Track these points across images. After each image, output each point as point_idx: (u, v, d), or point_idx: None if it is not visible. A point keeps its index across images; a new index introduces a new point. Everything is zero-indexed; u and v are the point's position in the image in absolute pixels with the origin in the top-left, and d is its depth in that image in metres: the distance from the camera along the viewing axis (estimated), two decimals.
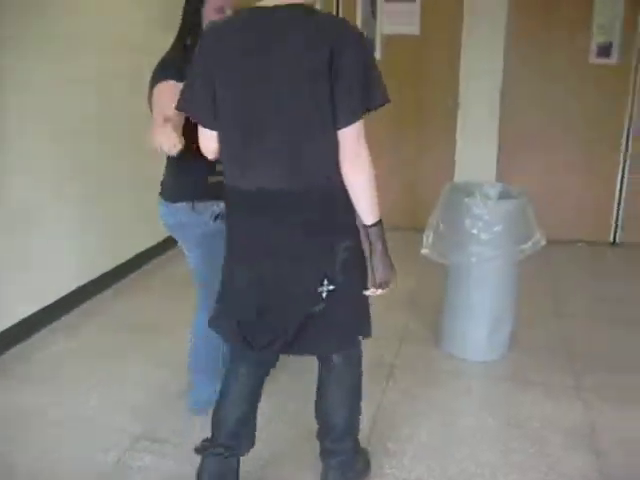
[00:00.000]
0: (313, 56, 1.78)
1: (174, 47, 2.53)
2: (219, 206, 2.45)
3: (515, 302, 3.44)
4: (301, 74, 1.80)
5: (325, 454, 2.34)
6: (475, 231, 3.14)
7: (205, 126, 1.99)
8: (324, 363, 2.22)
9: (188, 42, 2.48)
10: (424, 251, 3.29)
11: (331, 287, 1.97)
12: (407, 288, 4.11)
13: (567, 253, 5.08)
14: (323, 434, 2.32)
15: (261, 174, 1.91)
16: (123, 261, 4.48)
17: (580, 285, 4.53)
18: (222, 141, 1.98)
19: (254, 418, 2.30)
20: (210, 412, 2.29)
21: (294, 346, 2.04)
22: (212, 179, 2.43)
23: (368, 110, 1.86)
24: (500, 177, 5.23)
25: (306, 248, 1.96)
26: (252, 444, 2.31)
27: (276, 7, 1.84)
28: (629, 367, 3.33)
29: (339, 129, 1.83)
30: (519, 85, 5.30)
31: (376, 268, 2.04)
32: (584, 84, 5.15)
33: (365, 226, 1.99)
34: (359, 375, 2.27)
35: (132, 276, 4.53)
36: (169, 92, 2.21)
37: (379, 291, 2.08)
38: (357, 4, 5.42)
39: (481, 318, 3.35)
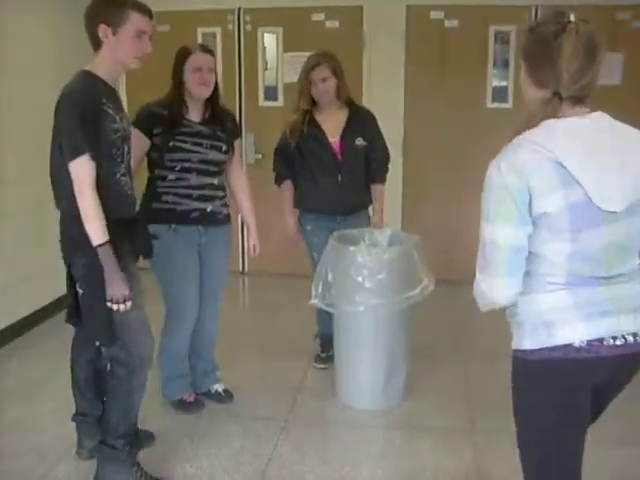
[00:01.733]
0: (54, 112, 2.38)
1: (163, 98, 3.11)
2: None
3: (409, 348, 3.44)
4: (53, 128, 2.41)
5: None
6: (360, 279, 3.14)
7: None
8: None
9: (170, 96, 3.07)
10: (313, 301, 3.28)
11: (81, 290, 2.48)
12: (309, 338, 4.07)
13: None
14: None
15: None
16: None
17: (483, 326, 4.56)
18: None
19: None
20: None
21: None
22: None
23: (80, 153, 2.29)
24: (406, 225, 5.30)
25: (62, 257, 2.52)
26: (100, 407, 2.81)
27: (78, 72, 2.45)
28: None
29: (67, 164, 2.33)
30: (420, 133, 5.45)
31: (107, 285, 2.37)
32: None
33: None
34: (122, 377, 2.57)
35: None
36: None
37: (115, 306, 2.39)
38: (258, 57, 5.56)
39: (374, 366, 3.33)
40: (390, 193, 5.44)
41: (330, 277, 3.25)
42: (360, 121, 3.69)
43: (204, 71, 3.03)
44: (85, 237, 2.34)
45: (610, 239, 1.61)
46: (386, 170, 3.87)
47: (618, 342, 1.61)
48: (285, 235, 3.92)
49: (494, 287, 1.65)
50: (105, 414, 2.67)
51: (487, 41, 5.26)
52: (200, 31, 5.48)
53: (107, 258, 2.35)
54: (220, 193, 3.21)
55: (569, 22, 1.59)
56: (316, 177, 3.65)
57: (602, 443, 2.99)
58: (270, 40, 5.54)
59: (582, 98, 1.63)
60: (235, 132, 3.33)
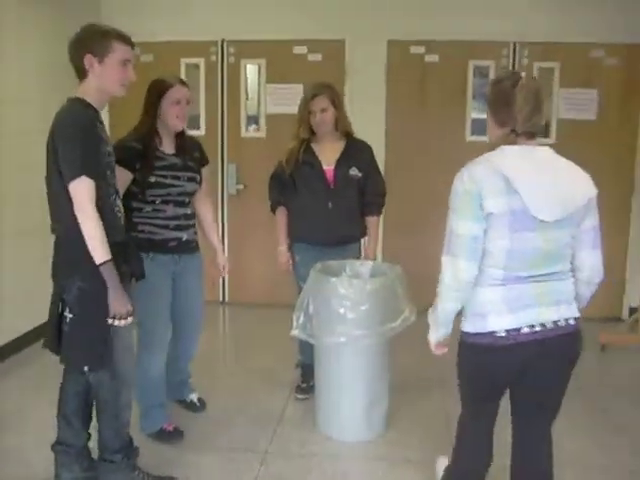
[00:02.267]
0: (49, 137, 2.46)
1: (133, 131, 3.11)
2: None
3: (390, 379, 3.44)
4: (48, 151, 2.48)
5: None
6: (342, 310, 3.15)
7: None
8: None
9: (144, 130, 3.07)
10: (294, 332, 3.27)
11: (71, 315, 2.50)
12: (289, 369, 4.06)
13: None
14: None
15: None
16: None
17: None
18: None
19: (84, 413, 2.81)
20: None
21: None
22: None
23: (79, 174, 2.37)
24: (386, 256, 5.33)
25: (54, 281, 2.59)
26: (84, 438, 2.82)
27: (67, 99, 2.53)
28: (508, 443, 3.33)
29: (67, 185, 2.40)
30: (401, 165, 5.51)
31: (109, 301, 2.45)
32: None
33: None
34: (109, 400, 2.67)
35: None
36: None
37: (117, 322, 2.48)
38: (241, 88, 5.62)
39: (355, 398, 3.32)
40: None
41: (311, 308, 3.25)
42: (356, 152, 3.71)
43: (182, 104, 3.12)
44: (83, 260, 2.41)
45: (541, 244, 2.10)
46: (382, 203, 3.84)
47: (536, 329, 2.13)
48: (275, 265, 3.88)
49: (457, 268, 2.13)
50: (99, 434, 2.75)
51: (466, 75, 5.38)
52: (183, 62, 5.54)
53: (110, 275, 2.43)
54: (192, 222, 3.31)
55: (520, 78, 2.17)
56: (307, 204, 3.67)
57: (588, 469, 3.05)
58: (253, 71, 5.61)
59: (533, 134, 2.16)
60: (203, 160, 3.39)
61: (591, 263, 2.22)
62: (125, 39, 2.54)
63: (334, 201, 3.62)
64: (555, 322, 2.14)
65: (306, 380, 3.87)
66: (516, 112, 2.11)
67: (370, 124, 5.41)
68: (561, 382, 2.27)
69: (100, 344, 2.52)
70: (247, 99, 5.63)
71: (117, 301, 2.45)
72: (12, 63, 4.34)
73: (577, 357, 2.23)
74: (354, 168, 3.66)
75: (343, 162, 3.65)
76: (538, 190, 2.05)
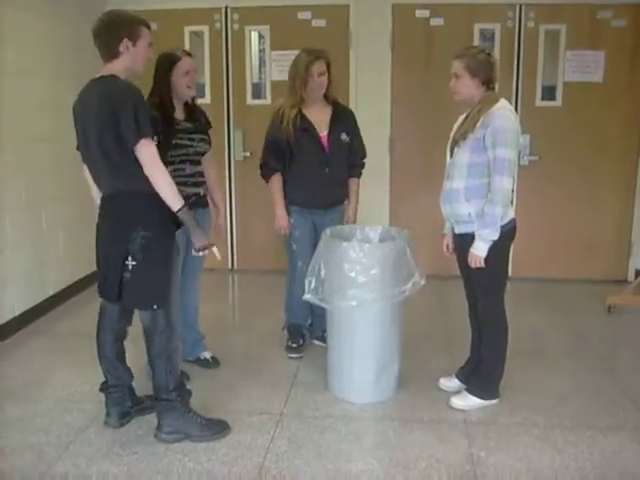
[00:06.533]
0: (105, 110, 2.68)
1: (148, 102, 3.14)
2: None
3: (401, 342, 3.49)
4: (100, 123, 2.72)
5: None
6: (353, 274, 3.18)
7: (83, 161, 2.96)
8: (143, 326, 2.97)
9: (157, 100, 3.26)
10: (306, 297, 3.32)
11: (134, 262, 2.80)
12: None
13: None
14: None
15: (100, 184, 2.93)
16: None
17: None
18: (86, 164, 2.95)
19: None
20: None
21: (120, 299, 2.90)
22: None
23: (143, 136, 2.67)
24: (393, 221, 5.37)
25: (116, 235, 2.84)
26: (131, 376, 3.17)
27: (99, 78, 2.80)
28: (517, 404, 3.40)
29: (133, 149, 2.68)
30: (407, 130, 5.51)
31: (192, 239, 2.86)
32: None
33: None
34: (163, 342, 2.92)
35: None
36: None
37: (201, 252, 2.89)
38: (246, 55, 5.60)
39: (367, 360, 3.38)
40: (377, 190, 5.53)
41: (323, 273, 3.29)
42: (344, 117, 3.85)
43: (191, 74, 3.35)
44: (145, 212, 2.80)
45: None
46: (363, 165, 4.01)
47: None
48: (274, 229, 3.93)
49: (510, 183, 2.99)
50: (153, 375, 2.99)
51: (472, 39, 5.35)
52: (187, 29, 5.52)
53: (188, 217, 2.80)
54: (203, 179, 3.56)
55: (489, 53, 3.12)
56: (305, 169, 3.77)
57: (591, 429, 3.12)
58: (257, 38, 5.58)
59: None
60: (208, 125, 3.63)
61: None
62: (148, 25, 2.87)
63: (330, 166, 3.76)
64: None
65: (295, 340, 4.04)
66: (496, 73, 3.08)
67: (376, 89, 5.44)
68: None
69: (165, 284, 2.89)
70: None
71: (199, 238, 2.84)
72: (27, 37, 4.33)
73: None
74: (344, 133, 3.80)
75: (335, 128, 3.78)
76: None
